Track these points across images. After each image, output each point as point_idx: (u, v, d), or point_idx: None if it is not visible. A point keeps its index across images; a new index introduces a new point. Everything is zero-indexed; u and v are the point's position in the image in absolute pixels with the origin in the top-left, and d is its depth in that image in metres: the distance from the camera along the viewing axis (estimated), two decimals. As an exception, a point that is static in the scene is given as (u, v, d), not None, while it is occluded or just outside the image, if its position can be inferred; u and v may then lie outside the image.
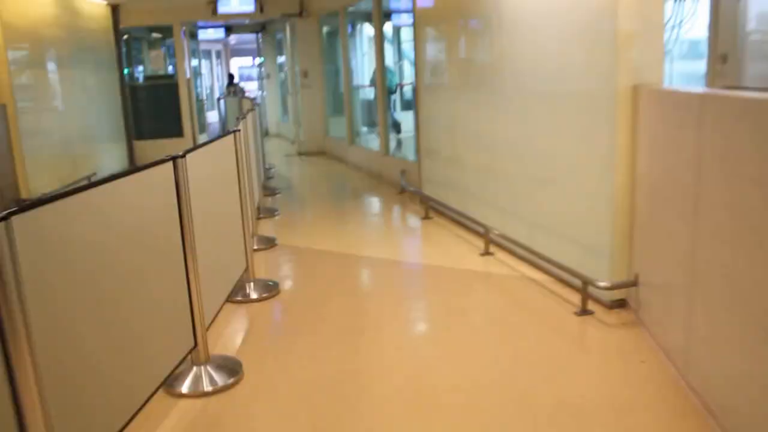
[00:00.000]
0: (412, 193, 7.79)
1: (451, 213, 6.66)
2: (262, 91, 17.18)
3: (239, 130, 4.60)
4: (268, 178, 10.20)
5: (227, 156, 4.49)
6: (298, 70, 12.58)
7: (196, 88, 13.65)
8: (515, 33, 5.19)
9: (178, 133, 12.24)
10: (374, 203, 8.56)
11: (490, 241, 5.63)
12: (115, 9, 11.66)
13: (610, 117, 4.04)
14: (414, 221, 7.12)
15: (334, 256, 5.88)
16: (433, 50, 7.38)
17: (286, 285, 5.11)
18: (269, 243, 6.29)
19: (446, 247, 5.98)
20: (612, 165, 4.06)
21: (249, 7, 11.35)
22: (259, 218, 7.36)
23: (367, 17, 15.20)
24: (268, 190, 9.05)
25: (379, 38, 9.68)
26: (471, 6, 6.04)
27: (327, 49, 13.86)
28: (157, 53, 12.14)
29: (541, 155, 4.93)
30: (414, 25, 7.81)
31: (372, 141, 11.56)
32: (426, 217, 6.97)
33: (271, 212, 7.68)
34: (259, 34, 16.42)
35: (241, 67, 25.78)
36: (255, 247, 6.13)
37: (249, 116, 7.09)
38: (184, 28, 12.09)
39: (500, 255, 5.51)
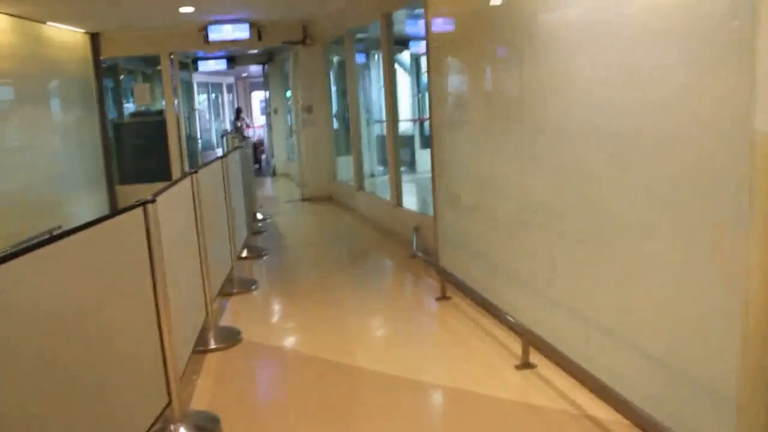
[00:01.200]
0: (426, 262, 6.15)
1: (475, 294, 5.01)
2: (269, 128, 15.79)
3: (152, 201, 3.05)
4: (257, 232, 8.67)
5: (130, 241, 2.95)
6: (302, 105, 11.13)
7: (188, 124, 12.27)
8: (564, 53, 3.60)
9: (166, 176, 10.81)
10: (380, 272, 6.92)
11: (528, 344, 3.99)
12: (94, 38, 10.33)
13: (739, 185, 2.42)
14: (427, 303, 5.48)
15: (311, 366, 4.27)
16: (451, 81, 5.83)
17: (232, 424, 3.50)
18: (231, 339, 4.70)
19: (468, 350, 4.34)
20: (740, 258, 2.43)
21: (243, 33, 9.94)
22: (230, 295, 5.81)
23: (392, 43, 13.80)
24: (254, 252, 7.49)
25: (388, 66, 8.17)
26: (502, 25, 4.49)
27: (338, 82, 12.49)
28: (142, 87, 10.76)
29: (606, 222, 3.31)
30: (428, 52, 6.31)
31: (384, 187, 10.04)
32: (443, 297, 5.34)
33: (247, 286, 6.09)
34: (266, 66, 15.06)
35: (262, 101, 24.37)
36: (212, 346, 4.57)
37: (218, 164, 5.62)
38: (172, 57, 10.74)
39: (545, 368, 3.86)
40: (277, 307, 5.71)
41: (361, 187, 9.64)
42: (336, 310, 5.42)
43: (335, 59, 13.74)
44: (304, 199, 11.27)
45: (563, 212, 3.73)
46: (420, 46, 13.82)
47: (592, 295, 3.49)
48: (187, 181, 4.18)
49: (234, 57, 14.44)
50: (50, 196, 8.98)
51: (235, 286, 5.96)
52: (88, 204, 10.14)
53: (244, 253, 7.27)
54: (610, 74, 3.19)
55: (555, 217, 3.84)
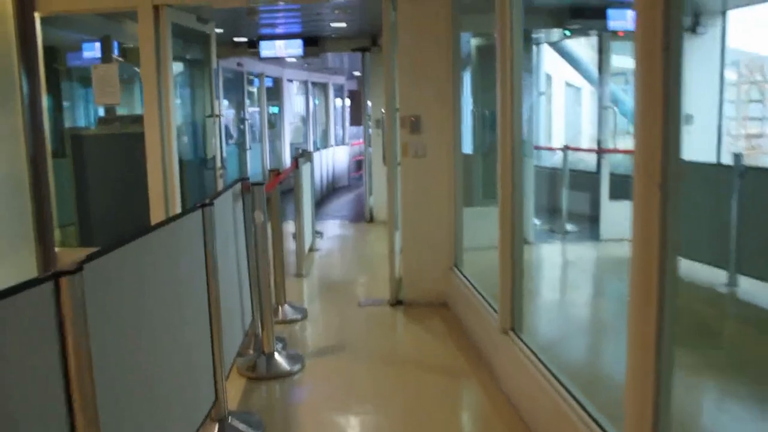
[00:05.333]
0: None
1: None
2: (369, 147, 10.56)
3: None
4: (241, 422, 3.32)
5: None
6: (397, 116, 5.69)
7: (198, 140, 7.28)
8: None
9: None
10: None
11: None
12: (23, -20, 5.57)
13: None
14: None
15: None
16: None
17: None
18: None
19: None
20: None
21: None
22: None
23: (567, 15, 8.09)
24: None
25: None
26: None
27: (477, 81, 7.30)
28: (107, 69, 5.82)
29: None
30: None
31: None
32: None
33: None
34: (367, 54, 9.84)
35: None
36: None
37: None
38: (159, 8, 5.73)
39: None
40: None
41: (513, 326, 3.89)
42: None
43: (473, 43, 8.51)
44: (395, 303, 5.76)
45: None
46: (627, 20, 8.05)
47: None
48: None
49: (317, 39, 9.34)
50: None
51: None
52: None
53: None
54: None
55: None
